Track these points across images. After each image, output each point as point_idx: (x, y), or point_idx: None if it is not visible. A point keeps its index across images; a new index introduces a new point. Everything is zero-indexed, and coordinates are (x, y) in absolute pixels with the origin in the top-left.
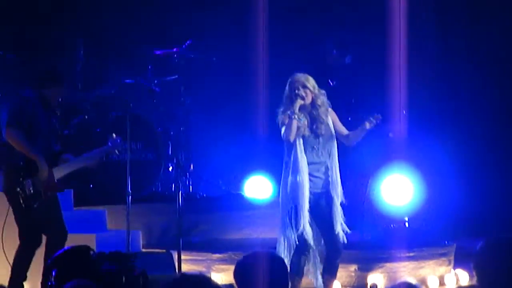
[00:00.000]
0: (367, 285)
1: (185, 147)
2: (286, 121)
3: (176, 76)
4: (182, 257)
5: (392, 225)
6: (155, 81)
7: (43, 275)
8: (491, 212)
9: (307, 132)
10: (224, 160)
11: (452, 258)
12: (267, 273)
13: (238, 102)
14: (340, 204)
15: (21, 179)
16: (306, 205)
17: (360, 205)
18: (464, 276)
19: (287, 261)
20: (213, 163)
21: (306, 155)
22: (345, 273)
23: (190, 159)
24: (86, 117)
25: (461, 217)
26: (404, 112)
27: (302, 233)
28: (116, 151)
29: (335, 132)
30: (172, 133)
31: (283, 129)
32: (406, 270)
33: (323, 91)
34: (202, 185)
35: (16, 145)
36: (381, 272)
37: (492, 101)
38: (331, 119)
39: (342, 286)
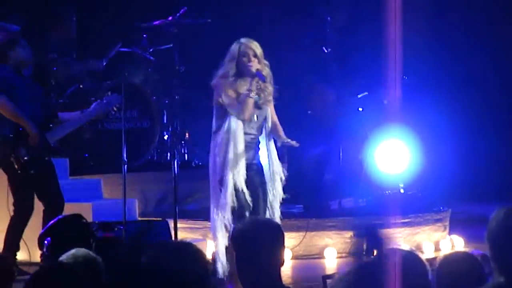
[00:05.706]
0: (363, 252)
1: (180, 115)
2: (233, 95)
3: (171, 45)
4: (178, 225)
5: (386, 192)
6: (150, 50)
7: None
8: (487, 177)
9: None
10: None
11: (447, 223)
12: (264, 240)
13: None
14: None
15: (13, 148)
16: (241, 175)
17: (357, 172)
18: (459, 242)
19: (221, 235)
20: (209, 131)
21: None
22: (341, 240)
23: (185, 127)
24: (81, 86)
25: (456, 182)
26: (405, 77)
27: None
28: (115, 108)
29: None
30: (167, 101)
31: (224, 99)
32: (401, 236)
33: (267, 62)
34: (197, 153)
35: (3, 111)
36: None
37: (491, 65)
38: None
39: (337, 252)
